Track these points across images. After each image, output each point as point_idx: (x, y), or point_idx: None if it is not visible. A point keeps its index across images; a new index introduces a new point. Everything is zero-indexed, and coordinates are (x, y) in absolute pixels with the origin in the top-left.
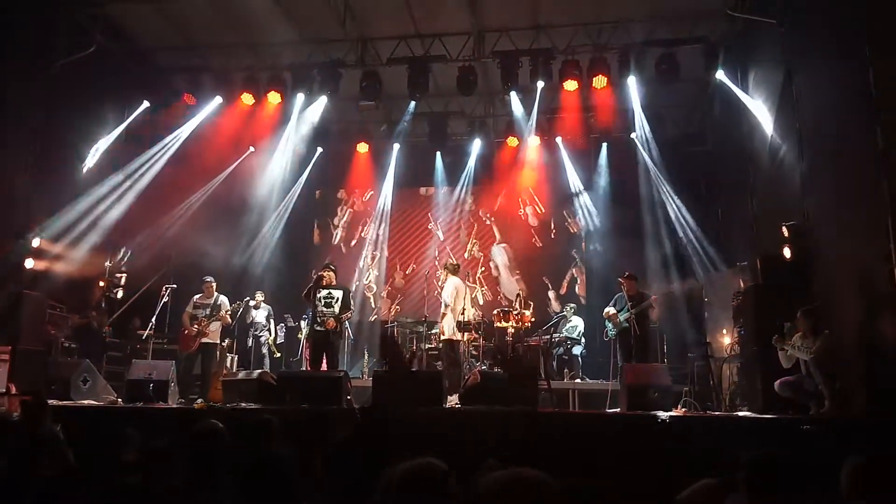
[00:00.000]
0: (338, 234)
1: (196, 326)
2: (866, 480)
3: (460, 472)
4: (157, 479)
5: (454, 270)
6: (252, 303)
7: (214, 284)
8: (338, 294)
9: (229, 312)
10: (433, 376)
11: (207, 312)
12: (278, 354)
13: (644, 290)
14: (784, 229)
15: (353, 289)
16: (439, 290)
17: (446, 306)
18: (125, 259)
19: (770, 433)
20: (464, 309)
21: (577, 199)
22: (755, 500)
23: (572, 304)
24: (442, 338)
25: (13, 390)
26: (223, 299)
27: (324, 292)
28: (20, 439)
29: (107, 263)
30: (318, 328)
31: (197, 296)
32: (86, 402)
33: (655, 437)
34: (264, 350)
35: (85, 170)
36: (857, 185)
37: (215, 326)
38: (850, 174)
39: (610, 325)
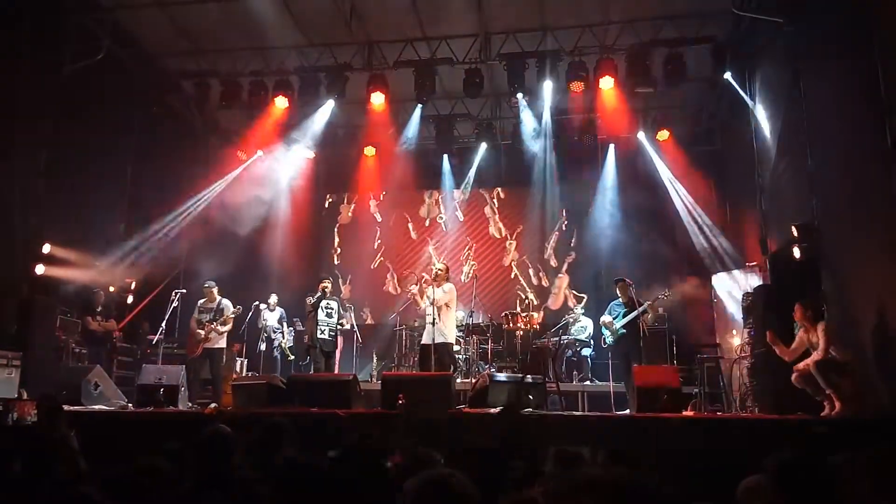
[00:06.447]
0: (344, 238)
1: (201, 331)
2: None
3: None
4: (166, 484)
5: (446, 272)
6: (263, 306)
7: (216, 289)
8: (334, 304)
9: (232, 316)
10: (443, 379)
11: (211, 316)
12: (292, 357)
13: (641, 294)
14: (793, 229)
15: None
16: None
17: (447, 307)
18: (134, 264)
19: (784, 434)
20: (472, 312)
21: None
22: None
23: (582, 299)
24: (442, 341)
25: (24, 396)
26: (226, 303)
27: (323, 303)
28: (35, 442)
29: (116, 269)
30: (321, 336)
31: (201, 300)
32: (97, 407)
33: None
34: (276, 353)
35: (95, 176)
36: (866, 184)
37: (220, 330)
38: (859, 173)
39: (607, 333)
